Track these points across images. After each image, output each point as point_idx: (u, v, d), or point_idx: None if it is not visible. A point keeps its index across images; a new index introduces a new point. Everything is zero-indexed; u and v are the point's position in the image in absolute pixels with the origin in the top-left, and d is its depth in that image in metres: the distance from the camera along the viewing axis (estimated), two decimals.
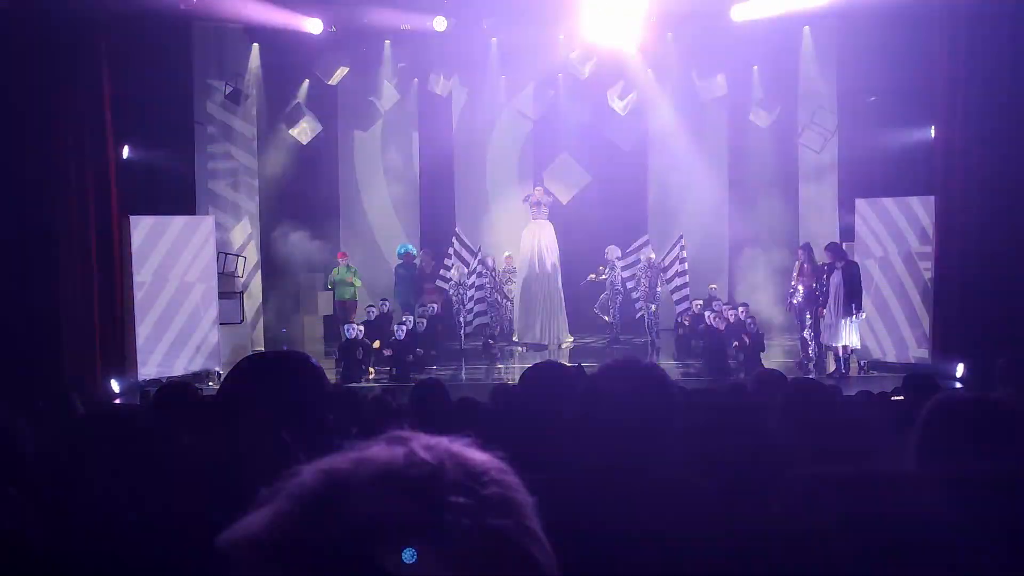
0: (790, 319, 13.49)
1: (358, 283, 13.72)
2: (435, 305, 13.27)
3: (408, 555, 0.67)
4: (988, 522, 1.84)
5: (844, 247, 11.30)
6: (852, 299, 10.66)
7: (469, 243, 13.88)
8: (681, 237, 13.85)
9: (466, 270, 13.54)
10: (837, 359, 11.12)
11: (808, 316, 11.47)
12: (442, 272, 13.80)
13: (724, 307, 12.35)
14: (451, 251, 13.78)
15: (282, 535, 0.71)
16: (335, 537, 0.69)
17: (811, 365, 11.39)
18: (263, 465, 1.70)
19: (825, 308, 10.99)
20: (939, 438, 2.06)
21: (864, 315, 10.85)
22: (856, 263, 10.90)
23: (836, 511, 1.95)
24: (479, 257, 13.57)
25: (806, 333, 11.60)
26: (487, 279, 13.58)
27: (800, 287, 11.57)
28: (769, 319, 12.94)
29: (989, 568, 1.82)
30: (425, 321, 12.54)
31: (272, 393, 1.79)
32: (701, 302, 13.03)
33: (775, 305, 13.87)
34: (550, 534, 0.75)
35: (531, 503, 0.75)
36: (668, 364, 12.59)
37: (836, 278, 10.78)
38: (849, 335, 10.82)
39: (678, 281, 13.65)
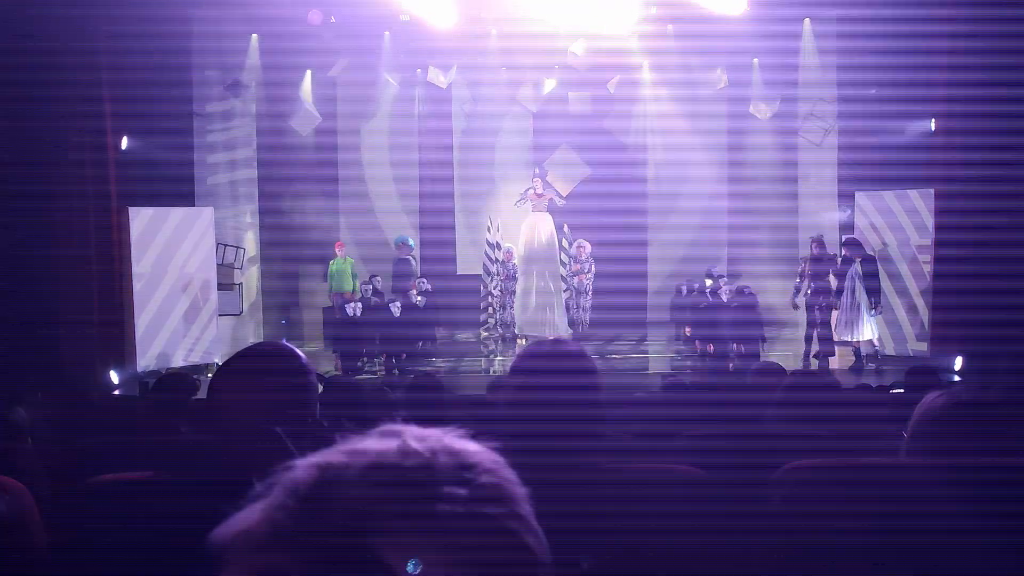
0: (790, 312, 13.48)
1: (349, 284, 13.55)
2: (426, 283, 13.28)
3: (411, 566, 0.68)
4: (986, 514, 1.84)
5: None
6: (873, 294, 10.63)
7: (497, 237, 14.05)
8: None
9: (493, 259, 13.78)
10: (856, 351, 11.06)
11: (817, 312, 11.30)
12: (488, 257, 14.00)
13: (723, 281, 12.35)
14: (487, 238, 13.97)
15: (277, 528, 0.71)
16: (329, 529, 0.69)
17: (815, 362, 11.28)
18: (256, 460, 1.70)
19: (839, 303, 10.92)
20: (925, 436, 2.07)
21: (881, 310, 10.81)
22: (874, 257, 10.85)
23: (834, 503, 1.95)
24: (504, 249, 13.78)
25: (814, 331, 11.41)
26: (499, 272, 13.77)
27: (808, 282, 11.33)
28: (768, 312, 12.92)
29: (986, 560, 1.83)
30: (424, 299, 12.53)
31: (256, 388, 1.79)
32: (707, 279, 13.00)
33: (774, 297, 13.88)
34: (543, 524, 0.76)
35: (524, 492, 0.76)
36: (667, 355, 12.63)
37: (856, 272, 10.73)
38: (868, 330, 10.78)
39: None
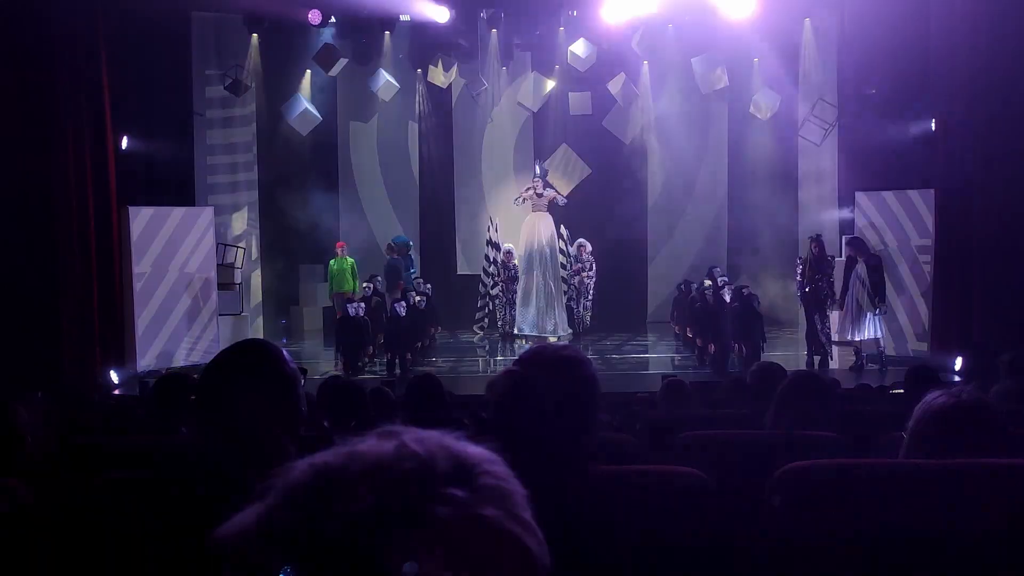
0: (790, 312, 13.49)
1: (349, 284, 13.46)
2: (424, 284, 13.32)
3: (409, 568, 0.68)
4: (986, 514, 1.84)
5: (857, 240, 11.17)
6: (877, 293, 10.63)
7: (496, 237, 14.03)
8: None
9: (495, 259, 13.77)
10: (857, 352, 11.05)
11: (816, 313, 11.24)
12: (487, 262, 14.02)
13: (723, 281, 12.29)
14: (488, 237, 13.93)
15: (275, 530, 0.71)
16: (327, 531, 0.69)
17: (818, 362, 11.21)
18: (251, 459, 1.70)
19: (844, 303, 10.90)
20: (925, 436, 2.07)
21: (886, 309, 10.82)
22: (879, 256, 10.85)
23: (833, 504, 1.95)
24: (504, 250, 13.75)
25: (816, 332, 11.34)
26: (499, 272, 13.78)
27: (806, 283, 11.24)
28: (768, 312, 12.91)
29: (986, 560, 1.83)
30: (425, 300, 12.54)
31: (239, 385, 1.79)
32: (709, 280, 12.86)
33: (774, 298, 13.88)
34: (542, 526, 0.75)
35: (523, 493, 0.76)
36: (667, 356, 12.62)
37: (859, 272, 10.72)
38: (871, 329, 10.77)
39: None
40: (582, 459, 1.78)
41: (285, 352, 1.89)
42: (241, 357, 1.86)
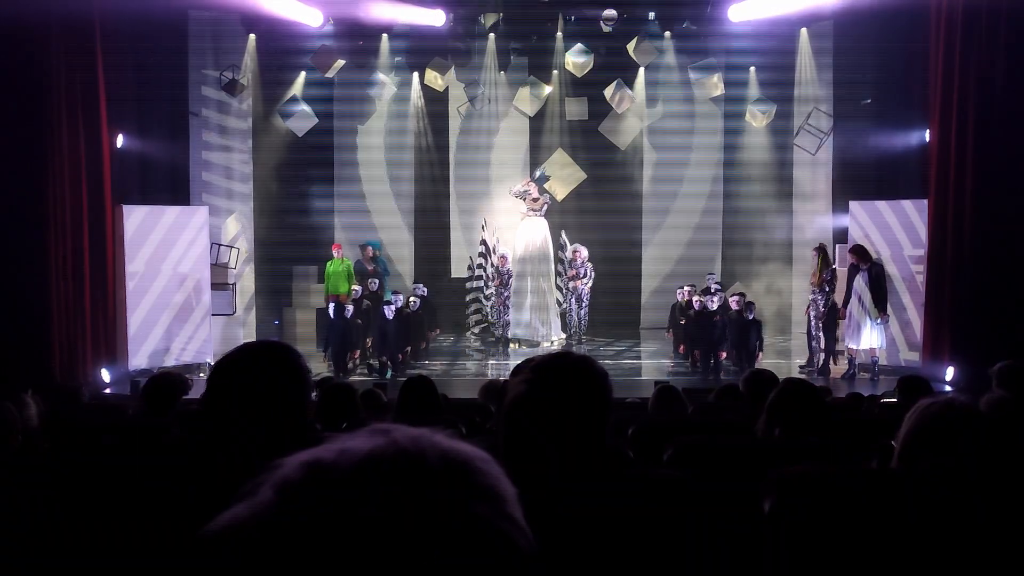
0: (784, 319, 13.50)
1: (345, 286, 13.43)
2: (423, 287, 13.33)
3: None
4: (976, 521, 1.85)
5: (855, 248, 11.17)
6: (880, 301, 10.66)
7: (487, 239, 14.01)
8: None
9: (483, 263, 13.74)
10: (850, 360, 11.09)
11: (819, 321, 11.26)
12: (480, 264, 13.98)
13: (720, 292, 12.29)
14: (482, 238, 13.88)
15: (265, 526, 0.71)
16: (318, 527, 0.69)
17: (817, 370, 11.20)
18: (248, 457, 1.70)
19: (846, 310, 10.92)
20: (918, 442, 2.08)
21: (888, 318, 10.84)
22: (881, 264, 10.88)
23: (822, 510, 1.95)
24: (498, 253, 13.72)
25: (815, 341, 11.35)
26: (493, 276, 13.78)
27: (818, 293, 11.24)
28: (762, 319, 12.91)
29: (976, 565, 1.83)
30: (418, 301, 12.51)
31: (255, 385, 1.78)
32: (692, 287, 12.84)
33: (768, 305, 13.91)
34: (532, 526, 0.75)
35: (514, 492, 0.76)
36: (660, 362, 12.63)
37: (861, 280, 10.74)
38: (869, 338, 10.79)
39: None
40: (588, 466, 1.78)
41: (302, 359, 1.88)
42: (259, 355, 1.85)
